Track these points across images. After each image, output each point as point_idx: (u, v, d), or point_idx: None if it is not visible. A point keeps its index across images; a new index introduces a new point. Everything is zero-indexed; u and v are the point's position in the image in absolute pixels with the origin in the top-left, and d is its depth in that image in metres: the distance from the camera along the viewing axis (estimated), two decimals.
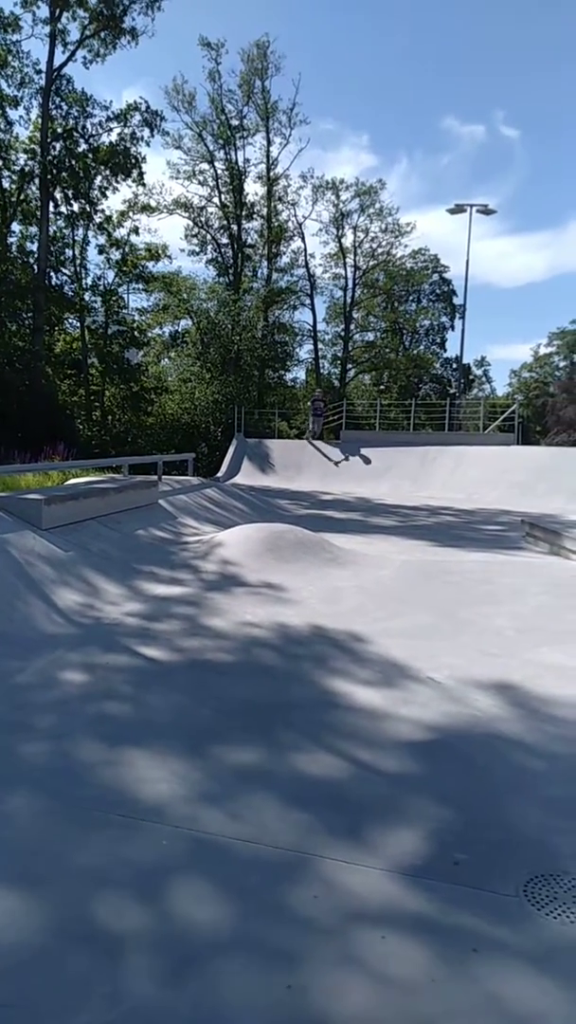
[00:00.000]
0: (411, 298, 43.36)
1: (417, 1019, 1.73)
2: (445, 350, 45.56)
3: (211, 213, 34.48)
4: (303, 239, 36.00)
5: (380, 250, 37.10)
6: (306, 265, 36.34)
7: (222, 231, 34.73)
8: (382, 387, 42.46)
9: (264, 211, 34.11)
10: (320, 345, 38.63)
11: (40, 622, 4.98)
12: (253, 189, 34.37)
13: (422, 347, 45.05)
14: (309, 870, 2.31)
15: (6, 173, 26.22)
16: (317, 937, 2.01)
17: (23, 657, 4.30)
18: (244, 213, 33.87)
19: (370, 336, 42.06)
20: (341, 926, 2.05)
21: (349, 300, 37.92)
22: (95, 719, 3.49)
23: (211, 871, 2.30)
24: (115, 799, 2.72)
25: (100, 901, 2.14)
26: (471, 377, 54.71)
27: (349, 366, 39.78)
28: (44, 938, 1.98)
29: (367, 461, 20.14)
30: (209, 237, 34.79)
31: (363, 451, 20.51)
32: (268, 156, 33.43)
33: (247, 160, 33.89)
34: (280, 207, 34.62)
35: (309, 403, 24.37)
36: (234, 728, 3.43)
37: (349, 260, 37.02)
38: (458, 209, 26.22)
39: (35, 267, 26.14)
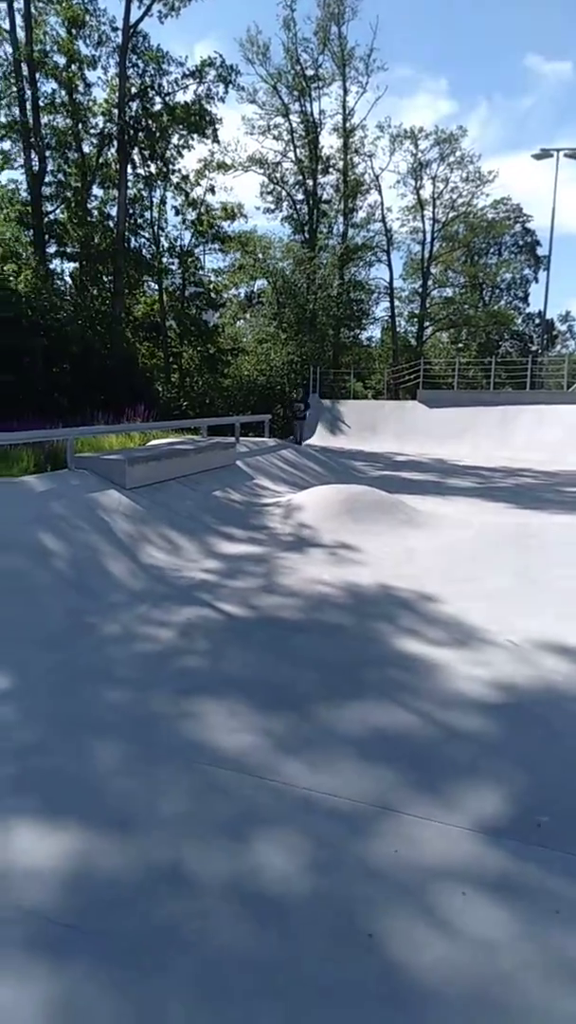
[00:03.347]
0: (492, 251, 41.61)
1: (496, 975, 1.75)
2: (527, 305, 43.68)
3: (286, 169, 33.75)
4: (380, 192, 34.86)
5: (460, 201, 35.54)
6: (383, 219, 35.25)
7: (297, 187, 34.00)
8: (460, 345, 41.20)
9: (340, 164, 33.13)
10: (396, 302, 37.60)
11: (124, 578, 5.16)
12: (328, 142, 33.40)
13: (503, 302, 43.28)
14: (389, 824, 2.35)
15: (86, 137, 26.40)
16: (398, 889, 2.05)
17: (108, 611, 4.48)
18: (319, 167, 33.00)
19: (448, 292, 40.63)
20: (422, 880, 2.09)
21: (427, 255, 36.63)
22: (176, 672, 3.61)
23: (293, 821, 2.37)
24: (198, 749, 2.82)
25: (187, 845, 2.24)
26: (555, 333, 52.35)
27: (426, 323, 38.63)
28: (137, 877, 2.09)
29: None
30: (284, 194, 34.13)
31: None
32: (344, 106, 32.33)
33: (322, 112, 32.88)
34: (356, 159, 33.55)
35: (296, 403, 23.58)
36: (310, 684, 3.48)
37: (427, 213, 35.69)
38: (544, 154, 24.84)
39: (114, 230, 26.38)
